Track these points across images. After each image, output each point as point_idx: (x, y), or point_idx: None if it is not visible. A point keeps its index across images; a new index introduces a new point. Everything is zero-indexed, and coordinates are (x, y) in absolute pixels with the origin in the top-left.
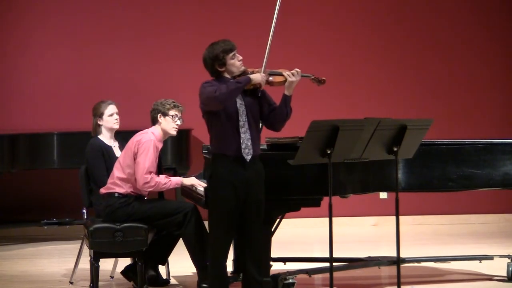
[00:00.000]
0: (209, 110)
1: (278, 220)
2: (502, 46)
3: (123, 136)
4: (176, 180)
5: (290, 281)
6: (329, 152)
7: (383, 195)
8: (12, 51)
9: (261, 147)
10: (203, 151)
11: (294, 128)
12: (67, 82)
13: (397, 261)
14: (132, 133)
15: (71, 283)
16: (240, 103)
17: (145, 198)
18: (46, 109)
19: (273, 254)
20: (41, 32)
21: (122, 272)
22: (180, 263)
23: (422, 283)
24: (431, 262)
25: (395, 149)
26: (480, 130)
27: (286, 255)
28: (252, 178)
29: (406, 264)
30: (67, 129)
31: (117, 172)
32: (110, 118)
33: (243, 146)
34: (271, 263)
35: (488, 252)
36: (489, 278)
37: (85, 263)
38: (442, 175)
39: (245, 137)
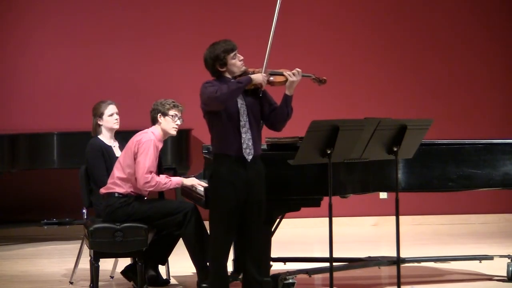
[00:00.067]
0: (210, 110)
1: (278, 220)
2: (502, 46)
3: (123, 136)
4: (176, 180)
5: (290, 281)
6: (329, 152)
7: (383, 195)
8: (12, 51)
9: (262, 147)
10: (203, 151)
11: (294, 128)
12: (67, 82)
13: (397, 261)
14: (132, 133)
15: (71, 283)
16: (241, 103)
17: (145, 198)
18: (46, 109)
19: (273, 254)
20: (41, 32)
21: (122, 272)
22: (180, 263)
23: (422, 283)
24: (431, 262)
25: (395, 149)
26: (480, 130)
27: (286, 255)
28: (253, 178)
29: (406, 264)
30: (67, 129)
31: (117, 172)
32: (110, 118)
33: (244, 146)
34: (271, 263)
35: (488, 252)
36: (489, 278)
37: (85, 263)
38: (442, 175)
39: (246, 137)
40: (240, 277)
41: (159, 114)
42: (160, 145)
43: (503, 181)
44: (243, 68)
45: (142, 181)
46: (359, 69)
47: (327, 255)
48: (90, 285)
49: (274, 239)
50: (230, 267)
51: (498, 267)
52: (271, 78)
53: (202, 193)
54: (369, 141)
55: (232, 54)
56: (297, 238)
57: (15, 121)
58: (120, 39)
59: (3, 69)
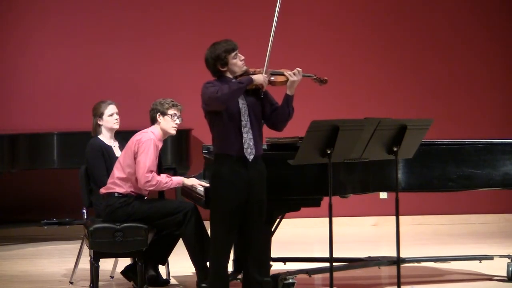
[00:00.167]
0: (211, 110)
1: (278, 220)
2: (502, 46)
3: (123, 136)
4: (177, 180)
5: (290, 281)
6: (329, 152)
7: (383, 195)
8: (12, 51)
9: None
10: (203, 151)
11: (294, 128)
12: (67, 82)
13: (397, 261)
14: (132, 133)
15: (71, 283)
16: (242, 103)
17: (145, 198)
18: (46, 109)
19: (273, 254)
20: (41, 32)
21: (122, 272)
22: (180, 263)
23: (422, 283)
24: (431, 262)
25: (395, 149)
26: (480, 130)
27: (286, 255)
28: (255, 178)
29: (406, 264)
30: (67, 129)
31: (117, 172)
32: (110, 118)
33: (245, 146)
34: (271, 263)
35: (488, 252)
36: (489, 278)
37: (85, 263)
38: (442, 175)
39: (248, 137)
40: (240, 277)
41: (158, 114)
42: (160, 145)
43: (503, 181)
44: (244, 68)
45: (143, 180)
46: (359, 69)
47: (327, 255)
48: (90, 285)
49: (274, 239)
50: (230, 267)
51: (498, 267)
52: (272, 78)
53: (202, 193)
54: (369, 141)
55: (233, 54)
56: (297, 238)
57: (15, 121)
58: (120, 39)
59: (3, 69)
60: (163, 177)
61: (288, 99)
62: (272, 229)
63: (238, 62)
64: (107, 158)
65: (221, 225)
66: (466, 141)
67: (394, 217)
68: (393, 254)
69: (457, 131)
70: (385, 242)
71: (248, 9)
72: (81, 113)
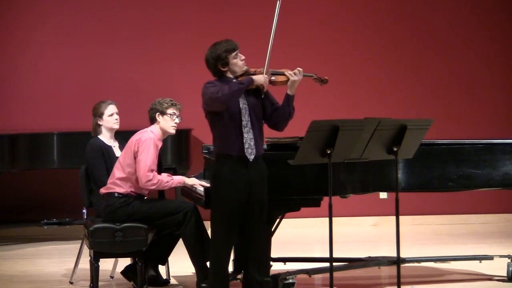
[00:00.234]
0: (212, 110)
1: (278, 220)
2: (502, 46)
3: (123, 136)
4: (178, 179)
5: (290, 281)
6: (329, 152)
7: (383, 195)
8: (12, 51)
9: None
10: (203, 151)
11: (294, 128)
12: (67, 82)
13: (397, 261)
14: (132, 133)
15: (71, 283)
16: (243, 102)
17: (145, 198)
18: (46, 109)
19: (273, 254)
20: (41, 32)
21: (122, 272)
22: (180, 263)
23: (422, 283)
24: (431, 262)
25: (395, 149)
26: (480, 130)
27: (286, 255)
28: (255, 178)
29: (406, 264)
30: (67, 129)
31: (117, 172)
32: (110, 118)
33: (246, 146)
34: (271, 263)
35: (488, 252)
36: (489, 278)
37: (85, 263)
38: (442, 175)
39: (248, 136)
40: (240, 277)
41: (157, 113)
42: (160, 144)
43: (503, 181)
44: (245, 67)
45: (144, 180)
46: (359, 69)
47: (327, 255)
48: (90, 285)
49: (274, 239)
50: (230, 267)
51: (498, 267)
52: (273, 78)
53: (202, 193)
54: (369, 141)
55: (233, 54)
56: (297, 238)
57: (15, 121)
58: (120, 39)
59: (3, 69)
60: (164, 176)
61: (288, 99)
62: (272, 229)
63: (238, 62)
64: (107, 158)
65: (222, 225)
66: (466, 141)
67: (394, 217)
68: (393, 254)
69: (457, 131)
70: (385, 242)
71: (248, 9)
72: (81, 113)
